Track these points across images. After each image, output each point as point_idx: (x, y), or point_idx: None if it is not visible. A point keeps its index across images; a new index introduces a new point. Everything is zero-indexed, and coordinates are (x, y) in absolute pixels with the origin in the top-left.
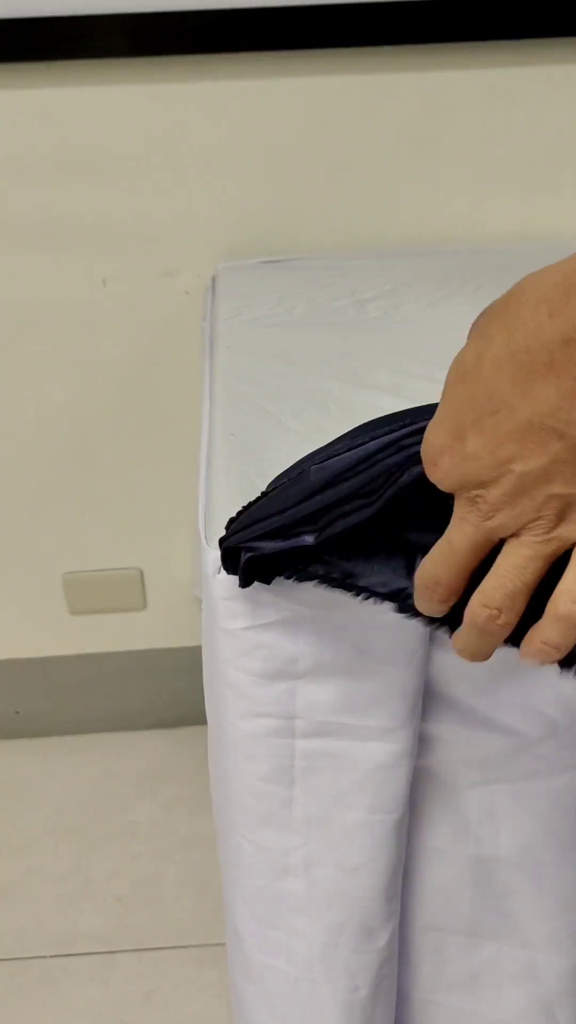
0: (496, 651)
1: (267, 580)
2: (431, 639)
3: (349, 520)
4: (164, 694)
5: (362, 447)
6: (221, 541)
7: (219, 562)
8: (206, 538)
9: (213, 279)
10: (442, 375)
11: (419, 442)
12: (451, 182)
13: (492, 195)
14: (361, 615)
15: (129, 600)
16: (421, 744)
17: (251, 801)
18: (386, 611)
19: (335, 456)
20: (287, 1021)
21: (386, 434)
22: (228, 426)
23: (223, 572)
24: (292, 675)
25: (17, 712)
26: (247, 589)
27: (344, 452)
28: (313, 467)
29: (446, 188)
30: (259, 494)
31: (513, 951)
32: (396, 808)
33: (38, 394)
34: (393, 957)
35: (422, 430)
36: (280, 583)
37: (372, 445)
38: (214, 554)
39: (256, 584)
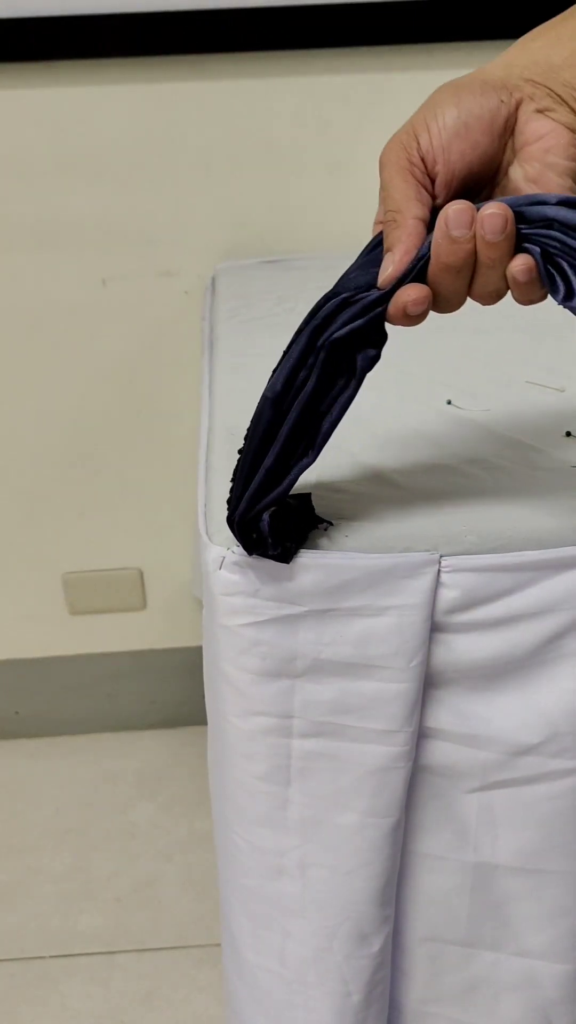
0: (494, 650)
1: (286, 559)
2: (431, 641)
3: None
4: (164, 694)
5: (293, 347)
6: (230, 520)
7: (220, 560)
8: (207, 536)
9: (212, 279)
10: (441, 375)
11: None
12: None
13: None
14: (361, 615)
15: (129, 600)
16: (419, 747)
17: (247, 800)
18: (386, 611)
19: (275, 371)
20: (279, 1022)
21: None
22: (228, 426)
23: (223, 568)
24: (290, 674)
25: (17, 712)
26: (247, 586)
27: (281, 360)
28: (264, 396)
29: None
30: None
31: (511, 960)
32: (392, 812)
33: (38, 394)
34: (386, 963)
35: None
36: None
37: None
38: (215, 550)
39: (271, 565)
